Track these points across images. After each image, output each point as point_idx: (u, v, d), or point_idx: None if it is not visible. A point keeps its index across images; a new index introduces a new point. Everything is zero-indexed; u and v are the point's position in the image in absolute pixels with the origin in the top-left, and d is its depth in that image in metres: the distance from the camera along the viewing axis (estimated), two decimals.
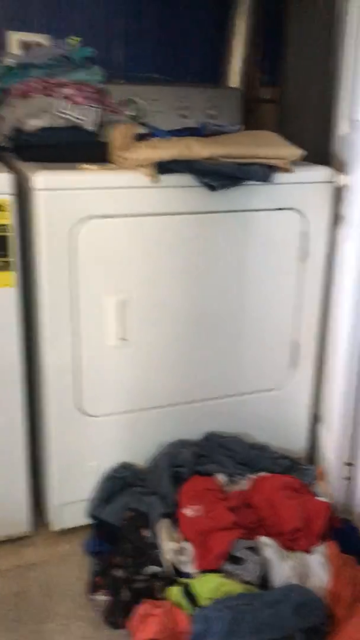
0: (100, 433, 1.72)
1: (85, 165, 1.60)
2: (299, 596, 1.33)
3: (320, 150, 1.90)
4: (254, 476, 1.76)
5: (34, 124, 1.65)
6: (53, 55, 1.70)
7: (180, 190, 1.62)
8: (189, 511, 1.60)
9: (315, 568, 1.45)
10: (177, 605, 1.43)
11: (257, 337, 1.83)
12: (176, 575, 1.50)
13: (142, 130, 1.74)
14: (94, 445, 1.72)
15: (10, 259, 1.52)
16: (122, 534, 1.61)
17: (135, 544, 1.57)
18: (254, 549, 1.48)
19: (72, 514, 1.75)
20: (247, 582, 1.42)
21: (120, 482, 1.74)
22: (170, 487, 1.69)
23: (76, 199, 1.53)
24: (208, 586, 1.41)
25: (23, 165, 1.60)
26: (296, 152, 1.68)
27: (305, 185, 1.74)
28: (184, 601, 1.42)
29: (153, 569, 1.52)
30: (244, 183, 1.63)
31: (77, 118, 1.66)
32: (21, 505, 1.71)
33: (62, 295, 1.58)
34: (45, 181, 1.50)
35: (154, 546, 1.56)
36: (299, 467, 1.87)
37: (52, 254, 1.54)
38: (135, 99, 2.06)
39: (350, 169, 1.69)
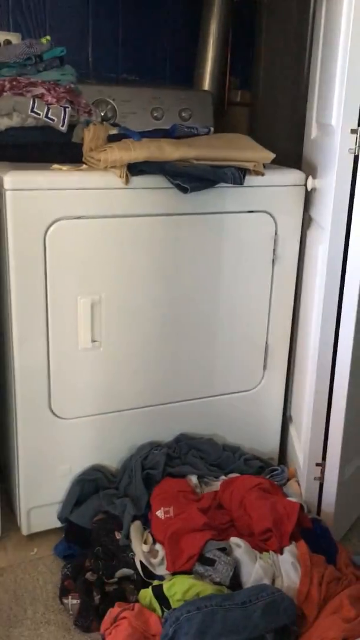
0: (71, 435, 1.71)
1: (56, 166, 1.59)
2: (269, 596, 1.34)
3: (291, 153, 1.92)
4: (226, 477, 1.77)
5: (5, 123, 1.63)
6: (24, 54, 1.69)
7: (152, 192, 1.62)
8: (160, 513, 1.60)
9: (286, 568, 1.47)
10: (149, 607, 1.42)
11: (229, 339, 1.84)
12: (148, 578, 1.50)
13: (114, 131, 1.73)
14: (65, 447, 1.71)
15: None
16: (93, 536, 1.60)
17: (106, 546, 1.56)
18: (225, 550, 1.48)
19: (42, 518, 1.73)
20: (218, 583, 1.43)
21: (92, 484, 1.73)
22: (142, 489, 1.68)
23: (47, 199, 1.52)
24: (179, 588, 1.41)
25: None
26: (268, 155, 1.70)
27: (277, 188, 1.75)
28: (155, 603, 1.42)
29: (124, 571, 1.52)
30: (216, 185, 1.64)
31: (48, 118, 1.64)
32: None
33: (33, 297, 1.56)
34: (15, 182, 1.48)
35: (126, 549, 1.55)
36: (270, 468, 1.89)
37: (21, 256, 1.53)
38: (107, 100, 2.05)
39: (320, 173, 1.71)
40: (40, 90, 1.65)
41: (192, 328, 1.78)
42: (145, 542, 1.57)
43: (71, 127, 1.69)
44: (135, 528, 1.60)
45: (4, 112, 1.62)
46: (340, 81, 1.53)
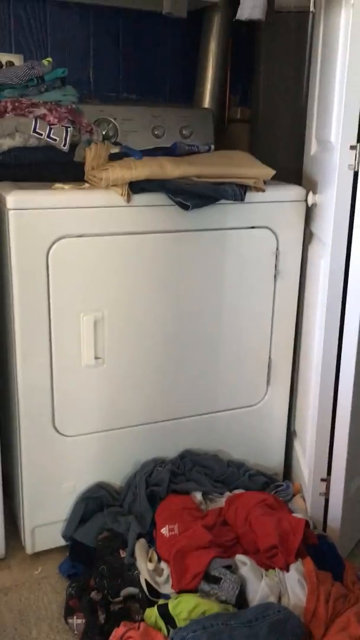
0: (75, 453, 1.71)
1: (58, 185, 1.61)
2: (275, 615, 1.33)
3: (291, 169, 1.93)
4: (230, 494, 1.76)
5: (8, 143, 1.65)
6: (27, 76, 1.71)
7: (154, 210, 1.63)
8: (165, 531, 1.59)
9: (292, 586, 1.45)
10: (154, 627, 1.41)
11: (232, 355, 1.84)
12: (153, 596, 1.49)
13: (115, 149, 1.75)
14: (68, 465, 1.70)
15: None
16: (97, 555, 1.59)
17: (111, 565, 1.55)
18: (231, 568, 1.47)
19: (47, 536, 1.72)
20: (224, 602, 1.41)
21: (96, 502, 1.72)
22: (147, 506, 1.68)
23: (49, 218, 1.53)
24: (185, 607, 1.40)
25: None
26: (268, 171, 1.71)
27: (278, 204, 1.76)
28: (161, 623, 1.41)
29: (129, 590, 1.51)
30: (217, 202, 1.65)
31: (51, 138, 1.66)
32: None
33: (36, 314, 1.57)
34: (18, 201, 1.50)
35: (131, 567, 1.54)
36: (275, 484, 1.87)
37: (24, 274, 1.54)
38: (109, 119, 2.07)
39: (320, 188, 1.72)
40: (42, 110, 1.67)
41: (195, 344, 1.79)
42: (150, 560, 1.56)
43: (73, 146, 1.71)
44: (140, 546, 1.59)
45: (6, 133, 1.65)
46: (338, 98, 1.55)
